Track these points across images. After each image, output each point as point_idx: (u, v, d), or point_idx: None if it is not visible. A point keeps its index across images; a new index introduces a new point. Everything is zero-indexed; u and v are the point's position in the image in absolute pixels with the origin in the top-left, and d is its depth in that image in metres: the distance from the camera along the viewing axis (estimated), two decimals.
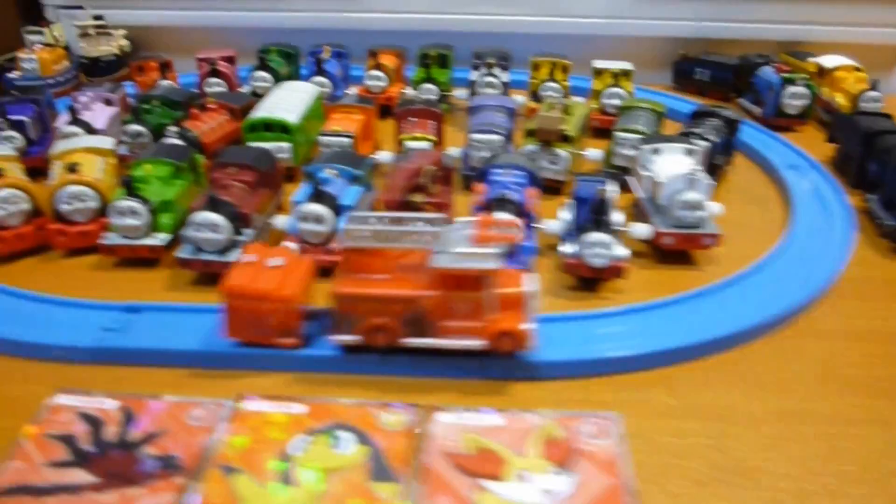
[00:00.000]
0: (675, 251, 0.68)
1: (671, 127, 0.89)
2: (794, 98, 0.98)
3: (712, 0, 1.14)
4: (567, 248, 0.64)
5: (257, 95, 0.99)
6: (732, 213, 0.77)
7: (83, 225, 0.67)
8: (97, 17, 1.16)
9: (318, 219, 0.62)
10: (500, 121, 0.81)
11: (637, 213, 0.73)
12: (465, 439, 0.47)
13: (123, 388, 0.51)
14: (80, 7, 1.20)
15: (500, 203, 0.61)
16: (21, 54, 1.08)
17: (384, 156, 0.82)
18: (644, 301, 0.60)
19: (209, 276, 0.63)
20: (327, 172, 0.66)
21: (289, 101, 0.84)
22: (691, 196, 0.65)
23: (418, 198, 0.61)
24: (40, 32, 1.17)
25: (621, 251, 0.62)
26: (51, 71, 1.09)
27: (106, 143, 0.74)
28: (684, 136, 0.78)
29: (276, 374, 0.53)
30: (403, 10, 1.16)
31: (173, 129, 0.79)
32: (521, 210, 0.62)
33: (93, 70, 1.15)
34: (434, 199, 0.64)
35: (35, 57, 1.07)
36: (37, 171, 0.75)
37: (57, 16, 1.24)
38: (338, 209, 0.63)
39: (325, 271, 0.64)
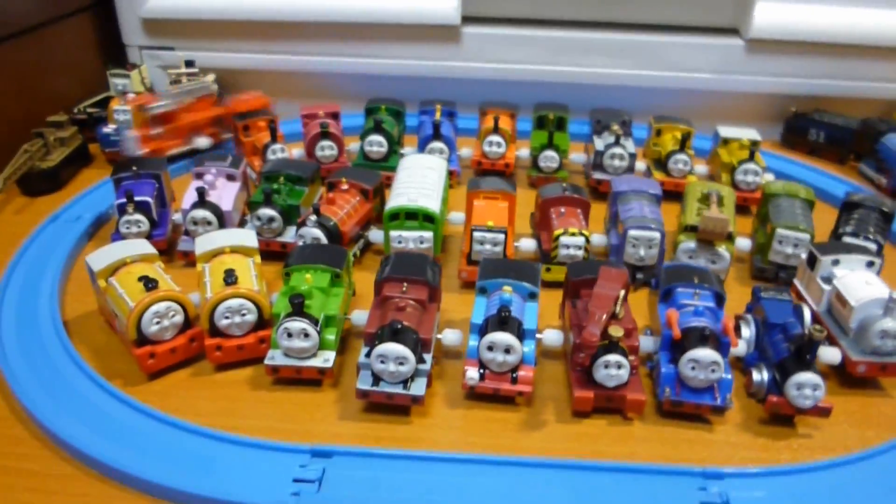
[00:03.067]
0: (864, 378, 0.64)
1: None
2: None
3: (827, 56, 1.09)
4: (759, 377, 0.60)
5: (370, 160, 0.95)
6: None
7: (240, 339, 0.64)
8: (189, 63, 1.11)
9: (508, 349, 0.58)
10: (650, 212, 0.77)
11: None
12: None
13: None
14: (170, 48, 1.16)
15: (702, 339, 0.57)
16: (114, 105, 1.03)
17: (525, 245, 0.79)
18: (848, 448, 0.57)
19: (381, 406, 0.60)
20: (505, 291, 0.62)
21: (424, 182, 0.80)
22: (891, 325, 0.61)
23: (615, 331, 0.57)
24: (126, 76, 1.12)
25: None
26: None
27: (250, 239, 0.70)
28: (851, 235, 0.75)
29: None
30: (505, 60, 1.12)
31: (313, 217, 0.75)
32: (718, 343, 0.59)
33: None
34: (626, 326, 0.60)
35: (128, 108, 1.03)
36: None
37: (141, 57, 1.19)
38: (522, 335, 0.60)
39: (505, 399, 0.61)
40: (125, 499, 0.52)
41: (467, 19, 1.12)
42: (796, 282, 0.73)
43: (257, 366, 0.65)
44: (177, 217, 0.81)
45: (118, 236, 0.77)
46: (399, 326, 0.58)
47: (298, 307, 0.60)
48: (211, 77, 1.15)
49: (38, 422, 0.57)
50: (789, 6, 1.08)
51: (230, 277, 0.63)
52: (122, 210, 0.77)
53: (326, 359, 0.62)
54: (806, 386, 0.57)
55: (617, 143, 0.93)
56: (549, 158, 0.94)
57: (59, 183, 0.97)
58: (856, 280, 0.66)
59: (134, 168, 0.82)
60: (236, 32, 1.16)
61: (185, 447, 0.55)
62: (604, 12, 1.11)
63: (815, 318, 0.66)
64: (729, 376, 0.59)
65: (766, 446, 0.58)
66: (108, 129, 1.02)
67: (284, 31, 1.15)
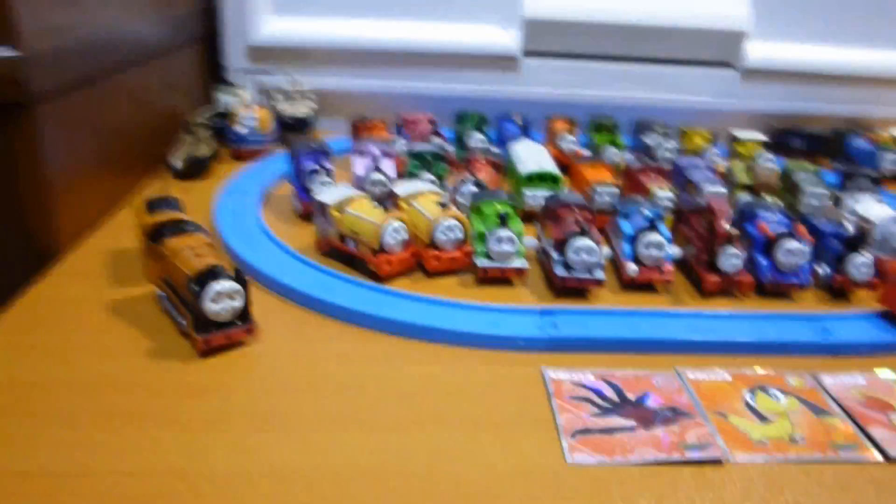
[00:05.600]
0: None
1: None
2: (893, 163, 1.26)
3: (800, 84, 1.42)
4: (823, 272, 0.86)
5: None
6: None
7: (451, 252, 0.85)
8: (294, 83, 1.32)
9: (659, 246, 0.82)
10: (711, 176, 1.04)
11: None
12: (853, 392, 0.68)
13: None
14: (267, 72, 1.37)
15: (791, 235, 0.83)
16: (242, 111, 1.23)
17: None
18: None
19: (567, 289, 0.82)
20: (645, 211, 0.86)
21: (540, 156, 1.05)
22: None
23: (733, 231, 0.82)
24: (234, 94, 1.32)
25: None
26: (266, 129, 1.25)
27: (434, 187, 0.92)
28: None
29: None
30: (556, 85, 1.39)
31: (470, 177, 0.97)
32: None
33: (293, 128, 1.31)
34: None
35: (256, 115, 1.23)
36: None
37: (243, 78, 1.39)
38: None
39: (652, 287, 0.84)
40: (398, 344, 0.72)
41: (527, 53, 1.39)
42: None
43: (460, 275, 0.85)
44: None
45: (304, 194, 0.97)
46: (586, 228, 0.80)
47: (503, 219, 0.82)
48: (312, 94, 1.37)
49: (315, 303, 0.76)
50: (773, 45, 1.41)
51: (444, 204, 0.85)
52: (313, 173, 0.97)
53: (523, 262, 0.83)
54: (863, 265, 0.83)
55: (663, 140, 1.20)
56: (613, 153, 1.20)
57: (206, 170, 1.15)
58: (872, 207, 0.94)
59: (313, 145, 1.02)
60: (327, 59, 1.38)
61: (434, 313, 0.75)
62: (626, 48, 1.41)
63: None
64: (807, 263, 0.84)
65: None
66: (242, 129, 1.22)
67: (368, 59, 1.38)
